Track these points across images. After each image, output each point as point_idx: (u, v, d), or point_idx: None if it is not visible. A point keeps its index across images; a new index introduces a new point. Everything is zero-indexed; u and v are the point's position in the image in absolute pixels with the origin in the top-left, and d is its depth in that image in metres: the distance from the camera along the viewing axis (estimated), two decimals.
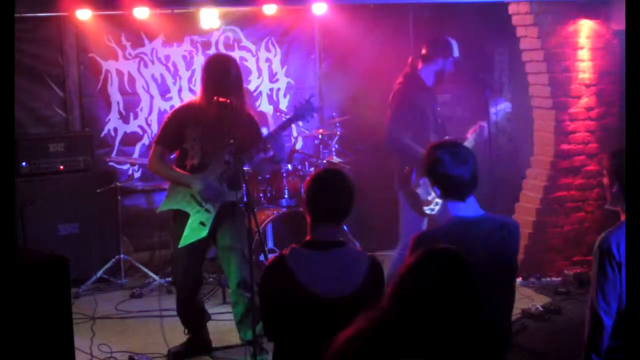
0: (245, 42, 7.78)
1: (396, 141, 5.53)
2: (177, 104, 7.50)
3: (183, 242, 4.99)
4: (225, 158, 4.95)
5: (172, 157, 5.21)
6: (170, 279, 6.73)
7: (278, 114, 7.31)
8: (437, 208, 5.48)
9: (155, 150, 5.09)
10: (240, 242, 4.94)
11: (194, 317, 5.34)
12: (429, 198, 5.47)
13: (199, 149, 5.00)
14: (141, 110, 7.47)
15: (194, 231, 4.97)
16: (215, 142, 4.97)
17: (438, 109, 5.81)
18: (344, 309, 3.08)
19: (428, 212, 5.52)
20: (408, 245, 3.33)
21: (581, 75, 6.83)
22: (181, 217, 5.03)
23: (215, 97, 4.85)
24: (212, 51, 7.59)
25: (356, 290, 3.10)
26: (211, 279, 6.67)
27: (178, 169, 5.06)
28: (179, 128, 5.01)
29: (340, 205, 3.19)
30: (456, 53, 5.71)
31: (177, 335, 5.65)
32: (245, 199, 4.58)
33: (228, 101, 4.82)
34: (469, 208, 3.30)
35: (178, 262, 5.16)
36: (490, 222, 3.30)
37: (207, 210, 4.98)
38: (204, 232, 4.97)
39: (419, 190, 5.50)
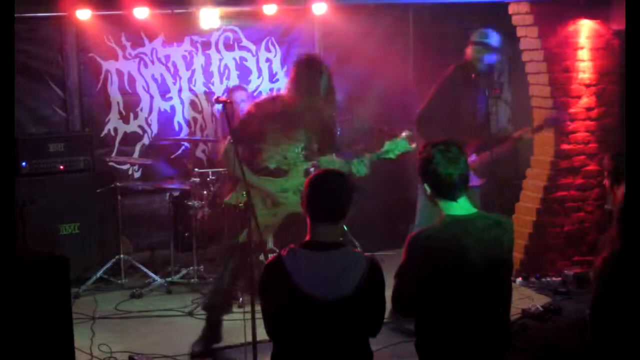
0: (245, 42, 7.78)
1: (426, 127, 5.45)
2: (177, 104, 7.53)
3: (242, 239, 4.91)
4: (309, 169, 4.98)
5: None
6: (169, 279, 6.75)
7: None
8: None
9: (230, 146, 5.03)
10: None
11: (224, 309, 5.27)
12: None
13: (278, 154, 4.98)
14: (141, 110, 7.47)
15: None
16: (297, 150, 5.00)
17: (481, 105, 5.65)
18: (341, 311, 3.10)
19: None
20: None
21: (581, 75, 6.83)
22: (243, 214, 4.98)
23: (216, 96, 4.88)
24: (212, 51, 7.61)
25: (354, 292, 3.10)
26: (211, 279, 6.66)
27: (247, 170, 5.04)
28: (257, 127, 4.94)
29: (338, 205, 3.20)
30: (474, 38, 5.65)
31: (177, 335, 5.65)
32: (245, 199, 4.58)
33: (228, 100, 4.83)
34: (461, 207, 3.32)
35: (234, 254, 5.07)
36: (484, 220, 3.32)
37: (274, 215, 4.97)
38: (258, 236, 4.93)
39: None
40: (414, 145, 5.14)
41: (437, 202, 5.39)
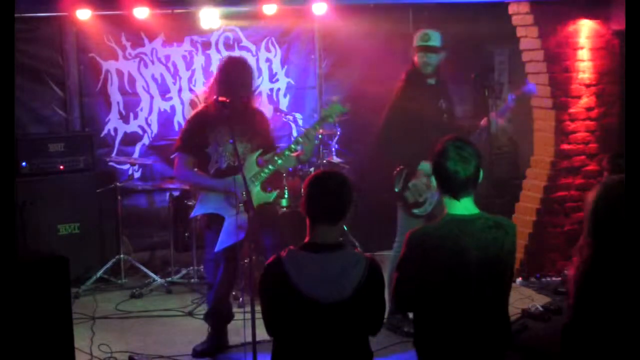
0: (245, 42, 7.78)
1: (386, 144, 5.51)
2: (177, 104, 7.53)
3: (219, 247, 5.01)
4: (259, 161, 5.04)
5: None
6: (169, 279, 6.75)
7: (278, 113, 7.31)
8: (429, 208, 5.47)
9: (181, 159, 5.12)
10: (281, 241, 4.97)
11: (224, 316, 5.33)
12: (420, 200, 5.48)
13: (225, 152, 5.03)
14: (141, 110, 7.47)
15: (230, 235, 4.97)
16: (242, 144, 5.03)
17: (443, 105, 5.63)
18: (341, 312, 3.10)
19: (417, 213, 5.51)
20: None
21: (581, 75, 6.83)
22: (216, 222, 5.04)
23: (215, 97, 4.90)
24: (212, 51, 7.61)
25: (354, 293, 3.11)
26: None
27: (205, 175, 5.10)
28: (201, 133, 5.04)
29: (338, 206, 3.21)
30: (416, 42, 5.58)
31: (177, 335, 5.65)
32: (246, 198, 4.59)
33: (227, 100, 4.85)
34: (464, 207, 3.32)
35: (215, 264, 5.18)
36: (484, 221, 3.32)
37: (243, 212, 4.99)
38: (241, 235, 4.96)
39: (407, 193, 5.51)
40: (347, 106, 5.19)
41: (413, 214, 5.46)
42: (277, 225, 5.29)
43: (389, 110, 5.55)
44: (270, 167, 5.08)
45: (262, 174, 5.07)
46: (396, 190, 5.54)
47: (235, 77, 5.07)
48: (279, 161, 5.05)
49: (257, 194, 5.06)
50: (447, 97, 5.69)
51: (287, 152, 5.05)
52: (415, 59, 5.55)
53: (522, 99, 6.51)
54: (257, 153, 5.12)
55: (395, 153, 5.49)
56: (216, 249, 5.04)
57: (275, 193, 5.21)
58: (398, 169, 5.54)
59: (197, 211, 5.21)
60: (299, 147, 5.06)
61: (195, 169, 5.15)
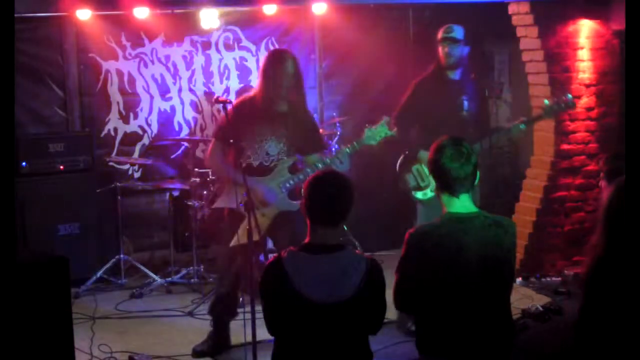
0: (245, 42, 7.78)
1: (399, 130, 5.51)
2: (177, 104, 7.52)
3: (234, 242, 4.99)
4: (297, 165, 5.04)
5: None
6: (169, 279, 6.75)
7: None
8: (430, 194, 5.44)
9: (216, 146, 5.11)
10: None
11: (229, 313, 5.31)
12: (423, 184, 5.49)
13: (260, 150, 5.00)
14: (141, 110, 7.47)
15: (246, 233, 4.96)
16: (279, 146, 5.03)
17: (465, 102, 5.61)
18: (341, 313, 3.10)
19: (420, 197, 5.52)
20: None
21: (581, 75, 6.83)
22: (235, 217, 5.01)
23: (216, 96, 4.91)
24: (212, 51, 7.61)
25: (354, 294, 3.11)
26: (211, 279, 6.66)
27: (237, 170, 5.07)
28: (239, 125, 4.98)
29: (339, 208, 3.20)
30: (440, 35, 5.62)
31: (177, 335, 5.65)
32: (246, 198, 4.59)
33: (228, 100, 4.85)
34: (462, 205, 3.33)
35: (226, 259, 5.16)
36: (483, 219, 3.33)
37: (262, 215, 4.96)
38: (256, 236, 4.94)
39: (409, 176, 5.54)
40: (394, 130, 5.12)
41: (417, 199, 5.45)
42: (292, 233, 5.21)
43: (404, 99, 5.62)
44: (300, 176, 5.06)
45: (291, 181, 5.06)
46: (402, 180, 5.58)
47: (277, 79, 5.02)
48: (310, 171, 5.00)
49: (282, 200, 5.05)
50: (472, 95, 5.66)
51: (319, 165, 5.00)
52: (439, 50, 5.61)
53: (525, 99, 6.51)
54: (291, 160, 5.11)
55: (403, 140, 5.52)
56: (231, 244, 5.02)
57: (299, 203, 5.19)
58: (403, 154, 5.57)
59: (220, 204, 5.18)
60: (331, 164, 5.05)
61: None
